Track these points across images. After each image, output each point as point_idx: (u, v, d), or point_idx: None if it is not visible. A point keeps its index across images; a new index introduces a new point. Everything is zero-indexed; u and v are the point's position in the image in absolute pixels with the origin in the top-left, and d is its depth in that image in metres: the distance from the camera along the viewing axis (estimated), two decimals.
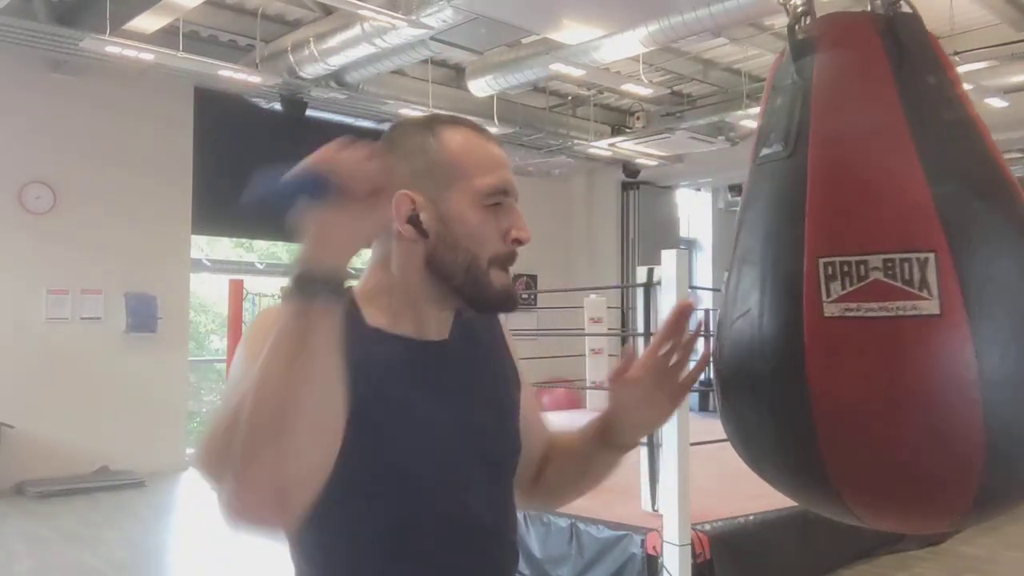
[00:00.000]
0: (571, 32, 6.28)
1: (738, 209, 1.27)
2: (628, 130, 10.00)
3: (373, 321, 1.07)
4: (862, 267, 1.04)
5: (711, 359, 1.22)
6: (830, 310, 1.06)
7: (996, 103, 7.42)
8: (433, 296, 1.08)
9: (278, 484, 0.82)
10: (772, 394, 1.10)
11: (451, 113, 1.17)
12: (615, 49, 6.55)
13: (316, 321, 0.85)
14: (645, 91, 8.29)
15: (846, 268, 1.05)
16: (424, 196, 1.05)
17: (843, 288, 1.05)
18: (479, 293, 1.06)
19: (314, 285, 0.86)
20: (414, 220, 1.05)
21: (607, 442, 1.19)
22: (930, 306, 1.01)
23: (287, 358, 0.83)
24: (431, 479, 1.02)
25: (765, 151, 1.20)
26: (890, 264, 1.03)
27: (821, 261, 1.07)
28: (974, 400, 1.00)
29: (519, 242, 1.08)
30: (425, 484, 1.02)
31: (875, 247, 1.05)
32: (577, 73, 7.32)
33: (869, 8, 1.21)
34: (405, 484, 1.01)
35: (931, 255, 1.02)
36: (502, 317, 1.21)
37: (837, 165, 1.12)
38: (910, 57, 1.14)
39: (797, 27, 1.22)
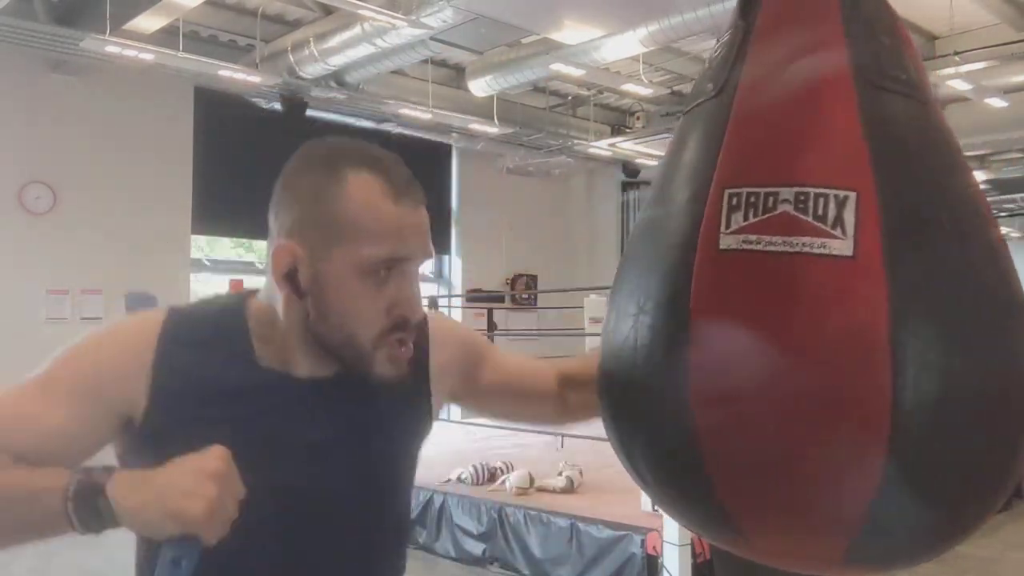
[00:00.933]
0: (571, 32, 6.28)
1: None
2: (628, 130, 10.00)
3: (261, 357, 1.00)
4: (771, 199, 0.93)
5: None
6: (726, 242, 0.94)
7: (996, 103, 7.42)
8: (315, 353, 1.00)
9: None
10: (650, 334, 0.97)
11: (369, 150, 1.03)
12: (615, 49, 6.55)
13: (66, 526, 0.87)
14: (645, 91, 8.29)
15: (752, 199, 0.94)
16: (306, 251, 0.96)
17: (745, 219, 0.94)
18: (360, 370, 0.98)
19: (92, 513, 0.85)
20: (291, 276, 0.97)
21: None
22: (842, 246, 0.90)
23: (23, 516, 0.90)
24: (253, 516, 0.89)
25: (695, 96, 1.11)
26: (803, 197, 0.92)
27: (727, 191, 0.96)
28: (882, 357, 0.87)
29: (403, 319, 0.97)
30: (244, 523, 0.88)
31: (790, 179, 0.94)
32: (577, 73, 7.32)
33: None
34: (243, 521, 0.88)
35: (852, 194, 0.91)
36: (442, 321, 1.20)
37: (766, 104, 1.02)
38: (864, 13, 1.06)
39: None
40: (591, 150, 10.08)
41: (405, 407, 1.08)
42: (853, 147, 0.95)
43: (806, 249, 0.90)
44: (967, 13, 6.87)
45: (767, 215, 0.93)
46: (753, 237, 0.92)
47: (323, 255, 0.95)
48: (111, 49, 6.22)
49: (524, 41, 7.13)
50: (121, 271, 7.60)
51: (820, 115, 0.99)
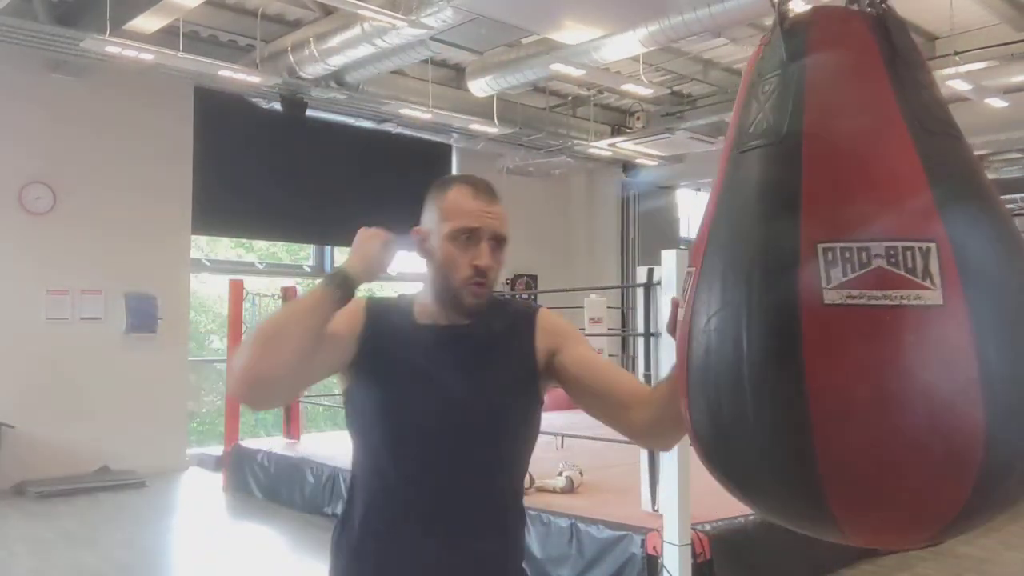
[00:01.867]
0: (571, 32, 6.28)
1: (708, 199, 1.23)
2: (628, 130, 10.00)
3: (418, 316, 1.56)
4: (864, 254, 1.01)
5: (684, 364, 1.19)
6: (830, 297, 1.01)
7: (996, 103, 7.42)
8: (439, 300, 1.53)
9: (261, 370, 1.35)
10: (762, 388, 1.06)
11: (470, 176, 1.60)
12: (615, 49, 6.55)
13: (326, 299, 1.40)
14: (645, 91, 8.29)
15: (847, 254, 1.02)
16: (431, 232, 1.53)
17: (844, 275, 1.01)
18: (453, 305, 1.51)
19: (336, 279, 1.42)
20: (422, 247, 1.54)
21: None
22: (933, 296, 0.99)
23: (300, 308, 1.42)
24: (413, 412, 1.48)
25: (752, 138, 1.16)
26: (893, 252, 1.00)
27: (820, 247, 1.03)
28: (975, 395, 0.99)
29: (478, 268, 1.48)
30: (406, 418, 1.48)
31: (876, 234, 1.02)
32: (577, 73, 7.32)
33: (856, 7, 1.20)
34: (396, 415, 1.49)
35: (932, 245, 1.00)
36: (549, 314, 1.65)
37: (834, 152, 1.09)
38: (901, 55, 1.13)
39: (785, 15, 1.19)
40: (591, 150, 10.08)
41: (514, 353, 1.55)
42: (923, 197, 1.04)
43: (904, 301, 0.99)
44: (967, 13, 6.87)
45: (864, 270, 1.01)
46: (856, 292, 1.01)
47: (435, 233, 1.52)
48: (111, 49, 6.22)
49: (524, 41, 7.13)
50: (121, 271, 7.61)
51: (887, 166, 1.07)
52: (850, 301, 1.01)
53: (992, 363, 0.99)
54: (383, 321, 1.53)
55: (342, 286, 1.41)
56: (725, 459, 1.18)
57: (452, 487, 1.48)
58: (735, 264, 1.12)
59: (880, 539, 1.14)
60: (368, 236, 1.49)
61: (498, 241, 1.52)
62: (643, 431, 1.51)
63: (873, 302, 1.00)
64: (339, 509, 5.79)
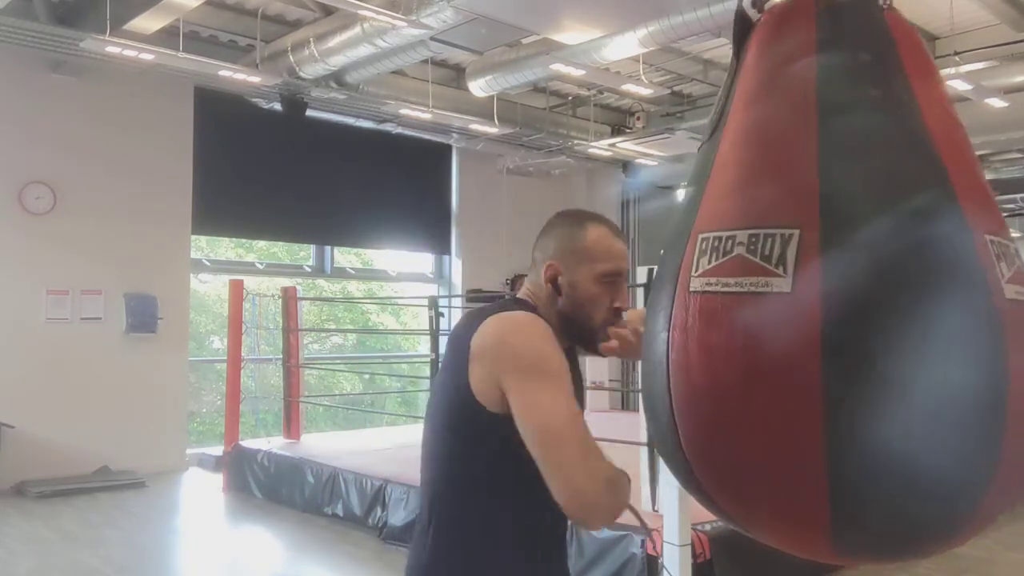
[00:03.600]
0: (571, 32, 6.28)
1: None
2: (628, 130, 10.00)
3: None
4: (730, 242, 1.02)
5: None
6: (694, 284, 1.04)
7: (996, 103, 7.41)
8: (560, 331, 1.49)
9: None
10: (651, 378, 1.12)
11: (601, 215, 1.63)
12: (615, 49, 6.55)
13: None
14: (645, 91, 8.29)
15: (716, 243, 1.03)
16: (564, 267, 1.53)
17: (709, 263, 1.03)
18: (587, 342, 1.55)
19: None
20: (554, 282, 1.54)
21: None
22: (782, 283, 0.95)
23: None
24: None
25: (702, 139, 1.21)
26: (754, 239, 0.99)
27: (700, 236, 1.07)
28: (813, 386, 0.92)
29: (619, 310, 1.52)
30: None
31: (747, 222, 1.01)
32: (577, 73, 7.32)
33: None
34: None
35: (796, 232, 0.96)
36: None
37: (739, 144, 1.09)
38: (842, 34, 1.08)
39: (743, 12, 1.18)
40: (591, 150, 10.08)
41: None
42: (806, 182, 0.99)
43: (752, 289, 0.98)
44: (967, 13, 6.87)
45: (726, 258, 1.02)
46: (714, 280, 1.02)
47: (575, 270, 1.52)
48: (111, 49, 6.22)
49: (524, 41, 7.13)
50: (121, 271, 7.60)
51: (782, 152, 1.04)
52: (708, 288, 1.02)
53: (839, 357, 0.92)
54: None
55: None
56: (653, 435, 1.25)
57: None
58: (660, 260, 1.19)
59: (776, 536, 1.10)
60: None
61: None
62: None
63: (726, 289, 1.01)
64: (339, 509, 5.81)
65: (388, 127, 9.04)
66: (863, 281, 0.93)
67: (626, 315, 1.56)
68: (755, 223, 1.00)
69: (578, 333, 1.53)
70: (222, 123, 8.21)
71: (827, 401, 0.91)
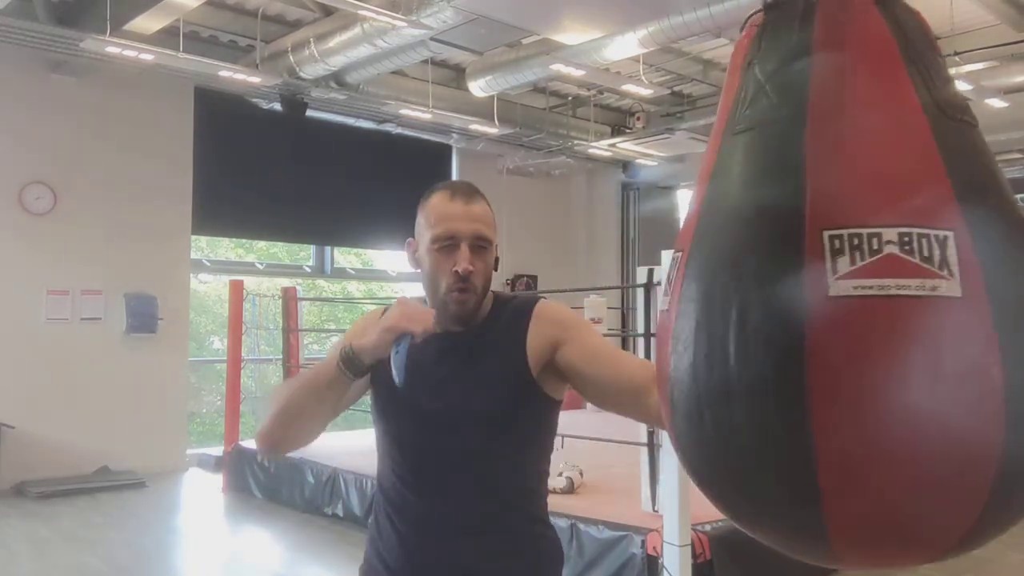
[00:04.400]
0: (571, 32, 6.28)
1: (697, 182, 1.12)
2: (628, 131, 10.00)
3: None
4: (875, 240, 0.91)
5: (666, 379, 1.08)
6: (837, 288, 0.91)
7: (996, 103, 7.42)
8: (433, 308, 1.50)
9: (275, 441, 1.50)
10: (763, 393, 0.95)
11: (452, 180, 1.63)
12: (615, 49, 6.55)
13: (338, 380, 1.43)
14: (645, 91, 8.29)
15: (856, 241, 0.92)
16: (418, 242, 1.54)
17: (852, 263, 0.91)
18: (443, 313, 1.49)
19: (346, 361, 1.42)
20: (413, 258, 1.55)
21: None
22: (951, 287, 0.90)
23: (315, 385, 1.46)
24: (402, 421, 1.56)
25: (748, 121, 1.05)
26: (907, 238, 0.91)
27: (826, 233, 0.93)
28: (996, 407, 0.89)
29: (458, 274, 1.46)
30: (401, 426, 1.56)
31: (889, 220, 0.92)
32: (577, 73, 7.32)
33: None
34: (392, 424, 1.57)
35: (950, 233, 0.91)
36: (548, 305, 1.59)
37: (845, 137, 0.99)
38: (909, 31, 1.06)
39: None
40: (591, 150, 10.08)
41: (505, 354, 1.52)
42: (940, 184, 0.94)
43: (919, 292, 0.89)
44: (967, 13, 6.87)
45: (874, 257, 0.91)
46: (867, 282, 0.91)
47: (419, 244, 1.53)
48: (111, 50, 6.22)
49: (524, 41, 7.13)
50: (121, 271, 7.60)
51: (900, 152, 0.97)
52: (858, 292, 0.90)
53: (1017, 362, 0.89)
54: None
55: (351, 367, 1.42)
56: (710, 479, 1.09)
57: (444, 491, 1.51)
58: (729, 252, 1.00)
59: (875, 566, 1.02)
60: (398, 317, 1.41)
61: (481, 243, 1.49)
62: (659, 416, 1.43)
63: (884, 292, 0.90)
64: (339, 509, 5.81)
65: (388, 127, 9.04)
66: (1019, 292, 0.94)
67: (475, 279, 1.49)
68: (899, 222, 0.92)
69: (437, 307, 1.49)
70: (222, 123, 8.21)
71: (1007, 426, 0.90)
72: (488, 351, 1.52)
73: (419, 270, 1.54)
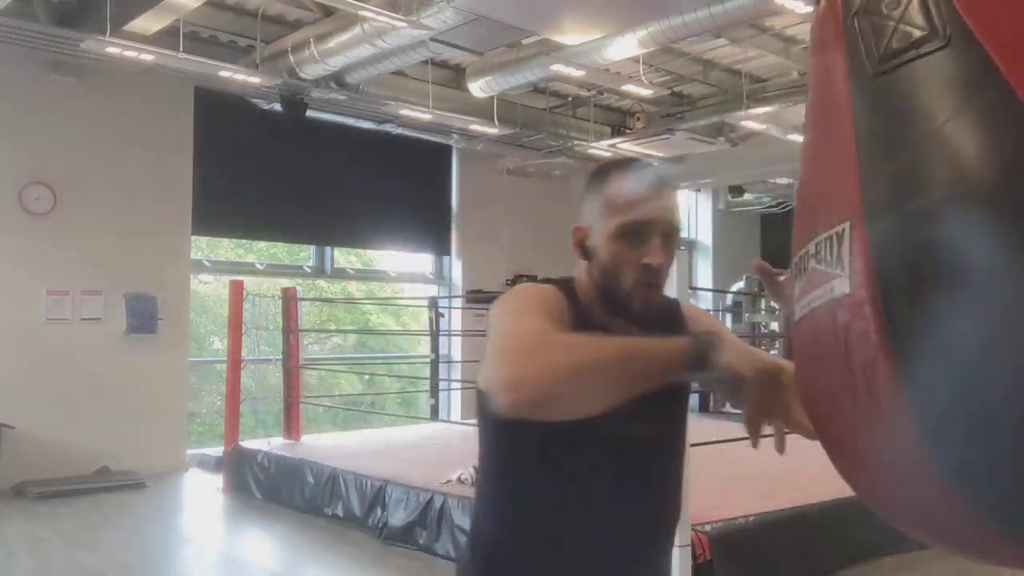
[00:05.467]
0: (571, 33, 6.28)
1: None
2: (628, 131, 10.00)
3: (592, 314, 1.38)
4: (805, 259, 0.91)
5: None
6: (798, 314, 0.94)
7: None
8: (601, 304, 1.38)
9: (586, 407, 1.11)
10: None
11: (634, 158, 1.43)
12: (615, 50, 6.55)
13: (671, 373, 1.13)
14: (645, 92, 8.29)
15: (800, 263, 0.93)
16: (591, 228, 1.37)
17: (800, 285, 0.93)
18: (621, 311, 1.35)
19: (699, 364, 1.11)
20: (582, 247, 1.39)
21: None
22: (841, 284, 0.84)
23: (631, 370, 1.11)
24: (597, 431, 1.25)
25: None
26: (819, 247, 0.88)
27: (793, 262, 0.96)
28: (901, 400, 0.79)
29: (649, 266, 1.31)
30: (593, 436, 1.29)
31: (813, 233, 0.90)
32: (577, 74, 7.32)
33: None
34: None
35: (846, 225, 0.84)
36: (691, 310, 1.52)
37: (805, 162, 0.98)
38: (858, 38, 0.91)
39: None
40: (591, 151, 10.07)
41: None
42: (847, 167, 0.85)
43: (821, 300, 0.88)
44: None
45: (804, 276, 0.92)
46: (804, 301, 0.92)
47: (598, 230, 1.35)
48: (111, 50, 6.22)
49: (524, 42, 7.13)
50: (121, 272, 7.60)
51: (825, 141, 0.93)
52: (803, 311, 0.93)
53: (912, 363, 0.78)
54: (579, 320, 1.34)
55: (701, 365, 1.11)
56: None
57: (622, 508, 1.37)
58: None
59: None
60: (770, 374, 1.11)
61: (670, 235, 1.34)
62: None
63: (809, 308, 0.90)
64: (339, 510, 5.81)
65: (388, 128, 9.04)
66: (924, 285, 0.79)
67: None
68: (818, 231, 0.90)
69: (614, 302, 1.35)
70: (222, 123, 8.21)
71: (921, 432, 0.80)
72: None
73: (585, 260, 1.39)
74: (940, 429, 0.77)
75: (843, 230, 0.85)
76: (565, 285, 1.41)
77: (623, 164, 1.40)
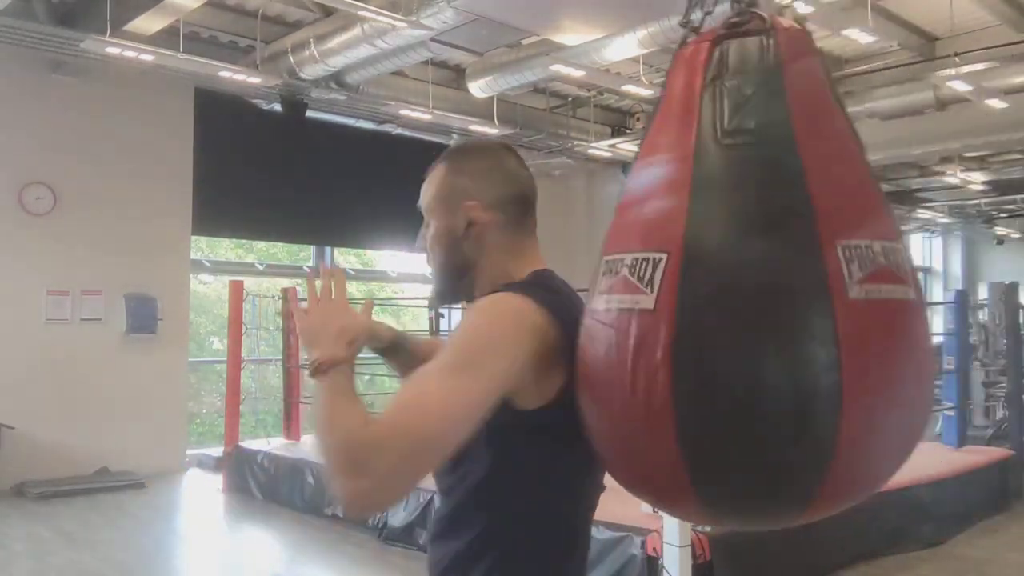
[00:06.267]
0: (571, 33, 6.28)
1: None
2: (628, 131, 10.00)
3: None
4: (617, 264, 1.14)
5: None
6: (599, 303, 1.19)
7: (996, 104, 7.42)
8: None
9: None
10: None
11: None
12: (615, 50, 6.55)
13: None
14: (645, 92, 8.29)
15: (612, 264, 1.17)
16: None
17: (604, 281, 1.18)
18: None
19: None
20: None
21: None
22: (646, 300, 1.08)
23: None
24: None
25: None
26: (635, 262, 1.11)
27: (604, 257, 1.24)
28: (664, 397, 1.04)
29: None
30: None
31: (630, 247, 1.14)
32: (577, 74, 7.32)
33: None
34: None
35: (664, 256, 1.08)
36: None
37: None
38: (726, 68, 1.18)
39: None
40: (591, 151, 10.08)
41: None
42: (676, 209, 1.10)
43: (628, 306, 1.10)
44: (967, 14, 6.88)
45: (614, 278, 1.14)
46: (609, 298, 1.15)
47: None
48: (111, 50, 6.22)
49: (524, 42, 7.14)
50: (121, 272, 7.60)
51: (666, 178, 1.16)
52: (607, 306, 1.14)
53: (683, 365, 1.03)
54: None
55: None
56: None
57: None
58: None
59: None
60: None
61: (422, 221, 1.42)
62: None
63: (611, 305, 1.13)
64: (339, 510, 5.81)
65: (388, 128, 9.04)
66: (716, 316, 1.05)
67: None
68: (637, 248, 1.14)
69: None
70: (222, 124, 8.20)
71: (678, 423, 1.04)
72: None
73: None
74: (694, 436, 1.04)
75: (660, 259, 1.08)
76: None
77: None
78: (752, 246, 1.04)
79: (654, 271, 1.08)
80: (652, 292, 1.07)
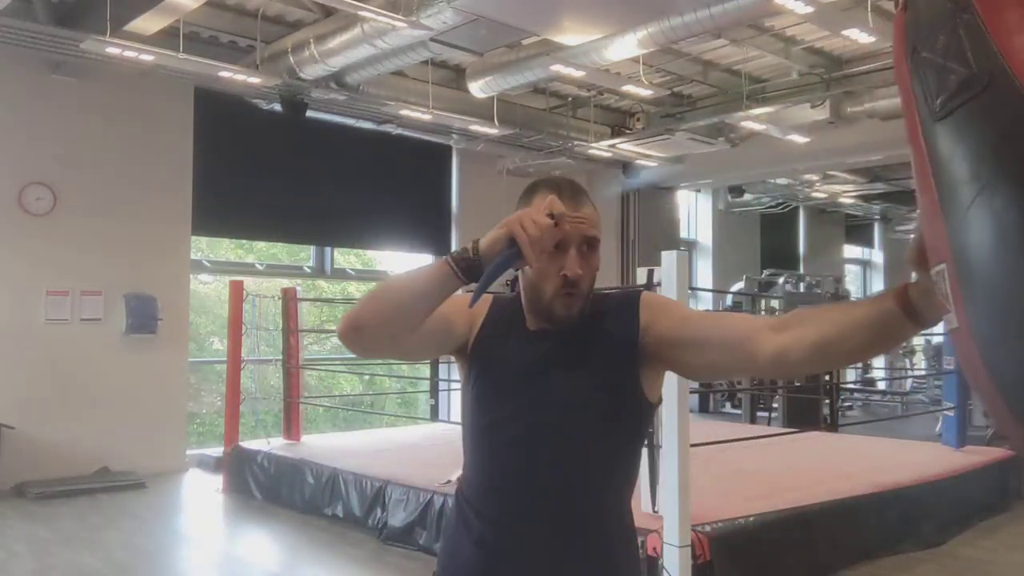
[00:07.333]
0: (571, 33, 6.29)
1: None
2: (628, 131, 10.00)
3: (526, 320, 1.56)
4: (939, 279, 0.98)
5: None
6: (949, 324, 1.03)
7: None
8: (532, 309, 1.53)
9: (359, 324, 1.40)
10: None
11: (556, 177, 1.59)
12: (615, 50, 6.55)
13: (448, 277, 1.37)
14: (645, 92, 8.30)
15: (936, 279, 1.02)
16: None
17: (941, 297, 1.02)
18: (546, 317, 1.49)
19: (462, 261, 1.36)
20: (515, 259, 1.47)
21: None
22: (950, 319, 0.96)
23: (420, 283, 1.40)
24: (496, 413, 1.52)
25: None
26: (936, 276, 0.97)
27: (934, 269, 1.03)
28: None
29: (566, 277, 1.44)
30: (493, 417, 1.52)
31: (934, 261, 0.99)
32: (577, 74, 7.32)
33: None
34: (484, 415, 1.54)
35: (943, 266, 0.94)
36: (651, 295, 1.60)
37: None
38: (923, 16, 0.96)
39: None
40: (591, 151, 10.08)
41: (609, 350, 1.49)
42: (934, 212, 0.94)
43: (951, 324, 0.96)
44: None
45: (940, 296, 0.98)
46: (947, 318, 0.99)
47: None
48: (111, 50, 6.23)
49: (524, 42, 7.14)
50: (121, 272, 7.60)
51: (919, 175, 0.98)
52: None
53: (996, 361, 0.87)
54: (500, 320, 1.56)
55: (466, 269, 1.35)
56: None
57: (531, 490, 1.48)
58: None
59: None
60: (517, 219, 1.34)
61: (589, 245, 1.47)
62: (770, 357, 1.32)
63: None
64: (339, 510, 5.82)
65: (388, 128, 9.04)
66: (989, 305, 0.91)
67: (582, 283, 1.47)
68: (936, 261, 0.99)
69: (537, 309, 1.50)
70: (222, 124, 8.21)
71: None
72: (586, 349, 1.49)
73: (518, 270, 1.51)
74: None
75: (942, 271, 0.94)
76: (505, 296, 1.61)
77: (545, 182, 1.52)
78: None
79: (944, 283, 0.94)
80: (951, 307, 0.94)
